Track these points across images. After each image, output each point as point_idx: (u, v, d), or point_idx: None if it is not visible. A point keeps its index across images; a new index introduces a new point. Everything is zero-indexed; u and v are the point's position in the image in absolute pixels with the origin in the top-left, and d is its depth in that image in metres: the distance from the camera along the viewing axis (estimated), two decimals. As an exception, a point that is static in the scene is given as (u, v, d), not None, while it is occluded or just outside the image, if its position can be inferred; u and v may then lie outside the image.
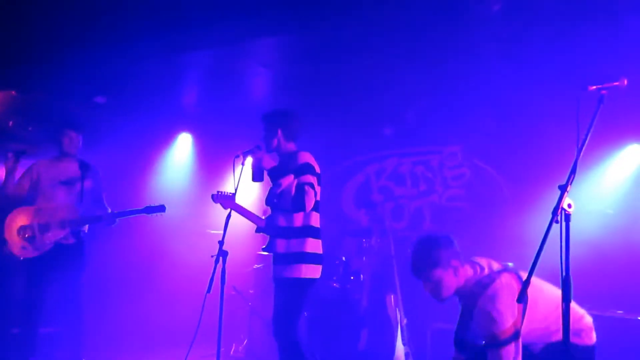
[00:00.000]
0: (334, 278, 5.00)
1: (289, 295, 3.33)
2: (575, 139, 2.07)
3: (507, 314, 2.32)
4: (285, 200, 3.32)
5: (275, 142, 3.52)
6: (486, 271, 2.51)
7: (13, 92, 5.33)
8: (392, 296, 4.66)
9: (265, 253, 3.68)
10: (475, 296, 2.42)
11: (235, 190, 3.47)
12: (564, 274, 1.97)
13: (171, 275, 5.85)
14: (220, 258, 3.35)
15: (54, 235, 3.96)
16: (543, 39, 3.94)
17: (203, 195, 6.39)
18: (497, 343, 2.30)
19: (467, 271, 2.52)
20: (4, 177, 4.07)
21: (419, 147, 6.20)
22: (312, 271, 3.33)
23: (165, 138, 6.41)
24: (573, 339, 2.23)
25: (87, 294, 5.19)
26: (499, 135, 5.48)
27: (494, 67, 4.46)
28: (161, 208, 4.18)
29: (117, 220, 4.16)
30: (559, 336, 2.04)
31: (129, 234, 5.53)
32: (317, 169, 3.43)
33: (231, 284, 4.79)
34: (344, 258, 5.09)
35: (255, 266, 5.42)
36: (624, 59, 3.95)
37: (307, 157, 3.41)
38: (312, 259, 3.34)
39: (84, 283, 4.12)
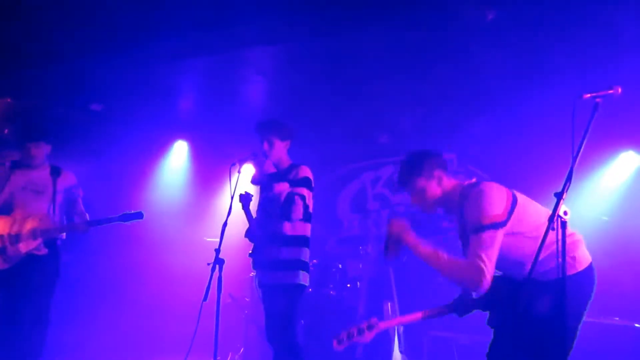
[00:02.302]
0: (331, 286, 4.99)
1: (290, 301, 3.42)
2: (570, 147, 2.08)
3: (494, 204, 2.36)
4: (273, 206, 3.44)
5: (272, 150, 3.57)
6: (473, 180, 2.59)
7: (9, 100, 5.32)
8: (389, 303, 4.65)
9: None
10: (463, 198, 2.49)
11: (232, 198, 3.47)
12: (561, 278, 1.99)
13: (167, 283, 5.83)
14: (217, 266, 3.34)
15: (26, 246, 3.75)
16: (538, 47, 3.98)
17: (199, 203, 6.41)
18: (479, 227, 2.33)
19: (452, 181, 2.60)
20: None
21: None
22: (306, 278, 3.50)
23: (161, 145, 6.41)
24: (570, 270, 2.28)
25: (78, 302, 5.17)
26: (495, 142, 5.51)
27: (489, 75, 4.49)
28: (138, 215, 3.95)
29: (89, 228, 3.91)
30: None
31: (124, 242, 5.52)
32: (313, 184, 3.55)
33: (228, 291, 4.78)
34: (340, 265, 5.09)
35: (252, 274, 5.40)
36: (619, 67, 3.98)
37: (307, 172, 3.52)
38: (306, 267, 3.51)
39: (79, 289, 3.97)
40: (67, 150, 4.29)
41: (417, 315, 2.69)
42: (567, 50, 3.95)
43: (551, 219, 1.97)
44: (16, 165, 3.97)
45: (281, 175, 3.53)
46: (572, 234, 2.48)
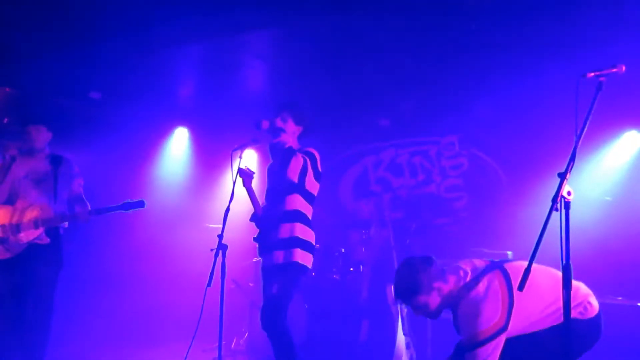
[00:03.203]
0: (334, 270, 5.01)
1: (283, 281, 3.27)
2: (573, 126, 2.06)
3: (487, 316, 2.34)
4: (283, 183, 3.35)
5: (283, 128, 3.46)
6: (469, 276, 2.53)
7: (7, 89, 5.30)
8: (392, 287, 4.66)
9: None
10: (459, 301, 2.47)
11: (234, 183, 3.45)
12: (564, 261, 1.98)
13: (171, 269, 5.85)
14: (220, 252, 3.34)
15: (27, 236, 3.75)
16: (540, 27, 3.93)
17: (201, 189, 6.41)
18: (474, 344, 2.33)
19: (451, 284, 2.54)
20: None
21: (417, 138, 6.19)
22: (306, 258, 3.33)
23: (161, 132, 6.39)
24: (575, 315, 2.27)
25: (84, 289, 5.20)
26: (497, 124, 5.48)
27: (490, 56, 4.44)
28: (140, 204, 3.90)
29: (91, 217, 3.88)
30: (561, 319, 2.05)
31: (127, 230, 5.53)
32: (320, 168, 3.46)
33: (231, 277, 4.80)
34: (343, 250, 5.09)
35: (255, 259, 5.42)
36: (622, 45, 3.93)
37: (315, 153, 3.45)
38: (305, 245, 3.34)
39: (84, 277, 3.98)
40: (67, 138, 4.27)
41: None
42: (570, 29, 3.90)
43: (554, 200, 1.96)
44: (17, 155, 3.96)
45: (285, 156, 3.40)
46: (577, 289, 2.49)
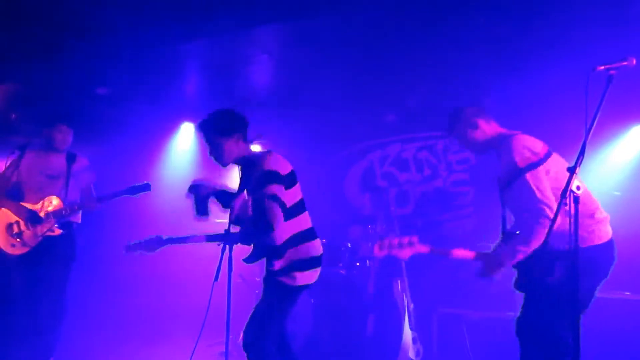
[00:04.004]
0: (340, 265, 5.01)
1: (271, 300, 3.00)
2: (582, 121, 2.05)
3: (528, 147, 2.67)
4: (250, 217, 2.89)
5: (221, 153, 3.07)
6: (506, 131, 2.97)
7: (16, 85, 5.31)
8: (398, 281, 4.67)
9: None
10: (499, 147, 2.83)
11: (240, 178, 3.44)
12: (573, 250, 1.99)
13: (178, 264, 5.86)
14: (227, 246, 3.35)
15: (42, 229, 3.85)
16: (549, 20, 3.89)
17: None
18: (520, 171, 2.60)
19: (494, 127, 2.99)
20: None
21: (423, 133, 6.17)
22: (302, 278, 2.97)
23: (167, 128, 6.40)
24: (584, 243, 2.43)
25: (92, 284, 5.24)
26: (504, 117, 5.43)
27: (498, 50, 4.41)
28: (146, 187, 3.98)
29: (99, 204, 4.02)
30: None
31: (133, 225, 5.55)
32: (285, 170, 2.92)
33: (238, 272, 4.80)
34: (349, 244, 5.09)
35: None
36: (633, 38, 3.90)
37: (270, 163, 2.90)
38: (302, 265, 2.98)
39: (93, 272, 4.08)
40: (74, 135, 4.30)
41: (469, 255, 2.79)
42: (582, 21, 3.86)
43: (564, 194, 1.95)
44: (32, 151, 4.02)
45: (245, 177, 3.10)
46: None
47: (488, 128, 2.95)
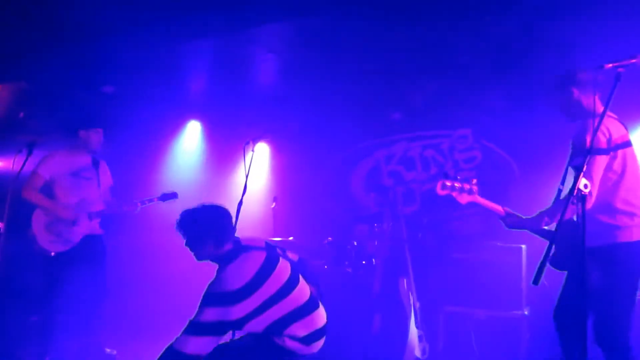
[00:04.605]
0: (346, 263, 5.00)
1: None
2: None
3: (600, 131, 2.59)
4: None
5: (206, 254, 2.95)
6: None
7: (23, 83, 5.34)
8: (404, 280, 4.66)
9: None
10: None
11: (246, 177, 3.46)
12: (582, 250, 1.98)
13: (183, 263, 5.87)
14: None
15: (82, 228, 4.02)
16: (556, 17, 3.87)
17: (214, 182, 6.42)
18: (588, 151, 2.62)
19: (589, 98, 2.91)
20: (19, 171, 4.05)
21: (429, 131, 6.15)
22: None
23: (174, 126, 6.42)
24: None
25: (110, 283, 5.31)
26: (510, 116, 5.42)
27: (503, 47, 4.39)
28: (174, 195, 4.37)
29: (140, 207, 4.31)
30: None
31: (138, 223, 5.57)
32: (235, 286, 2.66)
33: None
34: (355, 243, 5.09)
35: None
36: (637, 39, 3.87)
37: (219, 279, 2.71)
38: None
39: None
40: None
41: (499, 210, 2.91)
42: (588, 17, 3.84)
43: (571, 193, 1.94)
44: (56, 150, 4.17)
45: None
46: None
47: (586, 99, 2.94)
